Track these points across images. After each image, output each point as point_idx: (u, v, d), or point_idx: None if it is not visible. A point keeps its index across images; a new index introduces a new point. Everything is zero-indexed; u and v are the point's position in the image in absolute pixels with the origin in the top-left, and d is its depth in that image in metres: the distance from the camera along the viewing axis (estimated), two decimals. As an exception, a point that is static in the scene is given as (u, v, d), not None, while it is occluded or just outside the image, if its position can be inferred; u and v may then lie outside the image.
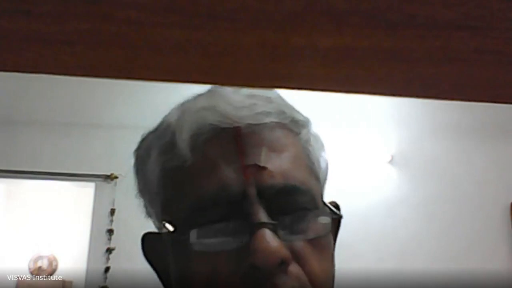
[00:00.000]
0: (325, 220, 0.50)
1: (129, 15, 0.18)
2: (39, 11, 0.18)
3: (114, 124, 3.42)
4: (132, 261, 3.19)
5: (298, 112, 0.56)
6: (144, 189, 0.55)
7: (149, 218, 0.56)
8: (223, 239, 0.47)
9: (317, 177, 0.54)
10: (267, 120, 0.51)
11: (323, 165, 0.56)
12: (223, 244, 0.47)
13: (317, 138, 0.56)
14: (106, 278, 3.20)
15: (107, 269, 3.21)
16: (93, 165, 3.35)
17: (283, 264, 0.46)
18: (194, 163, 0.50)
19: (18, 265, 4.52)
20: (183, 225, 0.49)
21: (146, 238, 0.57)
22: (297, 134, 0.54)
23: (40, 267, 4.57)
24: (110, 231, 3.26)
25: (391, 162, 3.48)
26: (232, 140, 0.49)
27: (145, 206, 0.56)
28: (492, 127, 3.51)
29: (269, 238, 0.45)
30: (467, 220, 3.40)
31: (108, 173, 3.31)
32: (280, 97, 0.54)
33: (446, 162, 3.52)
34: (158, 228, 0.55)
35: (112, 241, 3.25)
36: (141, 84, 3.20)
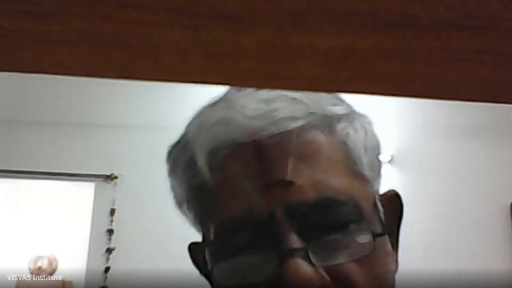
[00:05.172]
0: (368, 238, 0.43)
1: (129, 15, 0.18)
2: (39, 11, 0.18)
3: (114, 124, 3.42)
4: (132, 261, 3.20)
5: (333, 103, 0.47)
6: (178, 203, 0.52)
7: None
8: (252, 269, 0.42)
9: (362, 177, 0.46)
10: (292, 125, 0.44)
11: (370, 157, 0.48)
12: (252, 275, 0.42)
13: (359, 128, 0.48)
14: (106, 278, 3.20)
15: (107, 269, 3.21)
16: (93, 165, 3.35)
17: None
18: (216, 183, 0.45)
19: (18, 265, 4.52)
20: (210, 254, 0.46)
21: (192, 248, 0.53)
22: (332, 131, 0.46)
23: (40, 267, 4.56)
24: (110, 231, 3.26)
25: (391, 162, 3.47)
26: (253, 155, 0.43)
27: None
28: (492, 127, 3.51)
29: (302, 267, 0.40)
30: (467, 220, 3.40)
31: (108, 173, 3.31)
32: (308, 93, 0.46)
33: (446, 162, 3.52)
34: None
35: (112, 241, 3.25)
36: (141, 84, 3.20)
